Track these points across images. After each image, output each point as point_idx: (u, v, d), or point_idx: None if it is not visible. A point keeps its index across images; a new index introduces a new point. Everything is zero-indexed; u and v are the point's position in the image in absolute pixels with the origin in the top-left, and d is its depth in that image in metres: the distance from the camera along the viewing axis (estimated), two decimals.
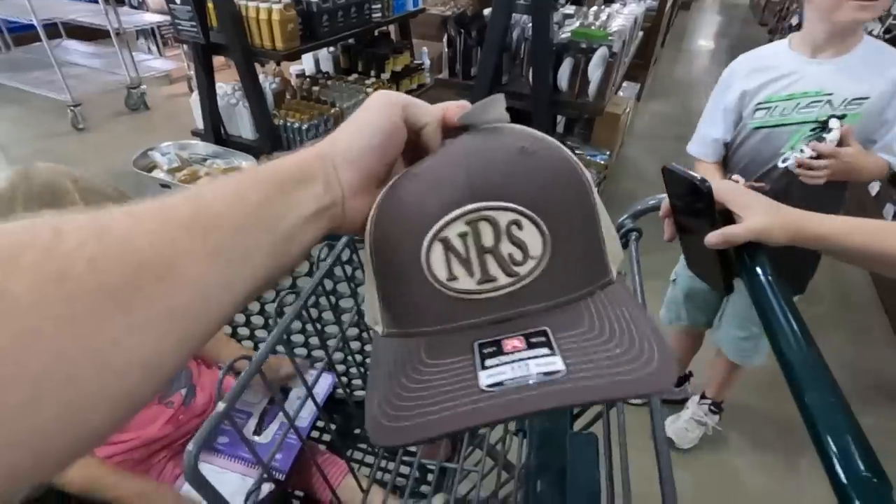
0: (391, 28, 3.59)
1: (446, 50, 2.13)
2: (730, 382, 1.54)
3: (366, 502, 0.69)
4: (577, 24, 2.12)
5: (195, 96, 2.84)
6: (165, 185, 2.47)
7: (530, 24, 1.90)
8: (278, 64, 3.05)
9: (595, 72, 1.91)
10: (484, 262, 0.30)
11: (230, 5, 2.28)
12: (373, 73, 3.20)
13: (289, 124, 2.64)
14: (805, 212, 0.56)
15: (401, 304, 0.33)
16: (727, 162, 1.24)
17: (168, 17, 4.01)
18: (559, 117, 2.54)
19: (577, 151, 2.46)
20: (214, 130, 2.76)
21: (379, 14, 2.94)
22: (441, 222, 0.30)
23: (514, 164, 0.31)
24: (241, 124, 2.78)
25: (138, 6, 4.32)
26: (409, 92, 3.48)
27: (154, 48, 4.32)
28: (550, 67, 1.92)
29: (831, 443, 0.32)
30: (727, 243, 0.54)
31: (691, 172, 0.54)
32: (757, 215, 0.53)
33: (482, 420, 0.25)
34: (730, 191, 0.56)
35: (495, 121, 0.34)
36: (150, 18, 4.01)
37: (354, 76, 3.18)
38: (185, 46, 3.89)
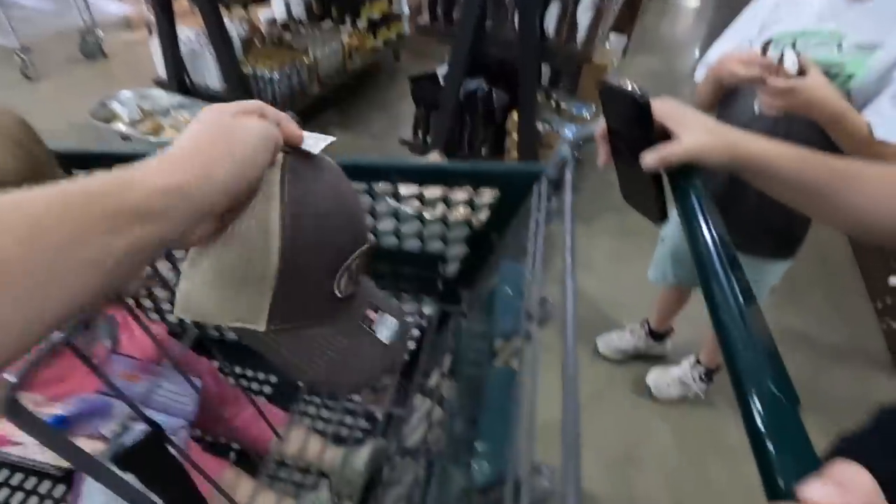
0: None
1: None
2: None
3: (306, 449, 0.68)
4: None
5: (155, 42, 2.64)
6: (126, 138, 2.32)
7: None
8: (245, 8, 2.83)
9: (584, 16, 1.81)
10: (359, 276, 0.50)
11: None
12: (348, 19, 3.01)
13: (259, 73, 2.47)
14: (745, 134, 0.52)
15: (297, 309, 0.44)
16: (720, 108, 1.18)
17: None
18: (544, 68, 2.43)
19: (562, 105, 2.37)
20: (178, 79, 2.58)
21: None
22: (351, 258, 0.46)
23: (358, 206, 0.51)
24: (208, 73, 2.60)
25: None
26: (387, 43, 3.30)
27: None
28: (538, 11, 1.81)
29: (740, 358, 0.31)
30: (663, 163, 0.51)
31: (631, 86, 0.50)
32: (696, 133, 0.50)
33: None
34: (669, 108, 0.52)
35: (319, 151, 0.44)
36: None
37: (328, 23, 2.99)
38: None
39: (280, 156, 0.41)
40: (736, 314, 0.35)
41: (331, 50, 2.78)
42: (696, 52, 4.59)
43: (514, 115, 2.14)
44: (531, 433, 0.37)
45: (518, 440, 0.37)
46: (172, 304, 0.47)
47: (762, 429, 0.27)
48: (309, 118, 2.82)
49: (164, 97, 2.55)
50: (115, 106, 2.46)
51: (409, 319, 0.66)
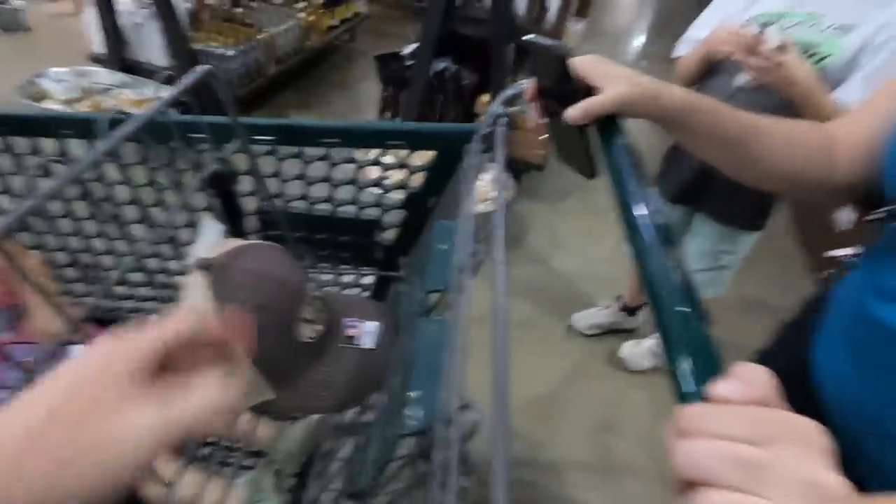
0: None
1: None
2: None
3: (239, 426, 0.73)
4: None
5: (89, 14, 2.41)
6: None
7: None
8: None
9: (554, 2, 1.82)
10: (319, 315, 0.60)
11: None
12: None
13: (211, 49, 2.32)
14: (663, 83, 0.54)
15: (284, 369, 0.55)
16: (701, 82, 1.22)
17: None
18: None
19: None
20: (118, 55, 2.37)
21: None
22: (297, 311, 0.56)
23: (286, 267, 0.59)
24: (151, 48, 2.41)
25: None
26: (344, 21, 3.19)
27: None
28: None
29: (656, 285, 0.35)
30: (588, 116, 0.51)
31: (551, 41, 0.52)
32: (618, 85, 0.51)
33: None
34: (592, 62, 0.53)
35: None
36: None
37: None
38: None
39: (201, 278, 0.50)
40: (654, 248, 0.38)
41: (287, 27, 2.65)
42: (643, 38, 4.76)
43: (483, 97, 2.14)
44: (461, 375, 0.39)
45: (448, 382, 0.39)
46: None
47: (672, 341, 0.31)
48: (266, 99, 2.69)
49: (103, 74, 2.35)
50: (47, 83, 2.24)
51: (387, 317, 0.68)
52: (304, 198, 0.80)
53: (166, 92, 2.22)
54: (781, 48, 0.93)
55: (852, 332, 0.55)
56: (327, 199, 0.80)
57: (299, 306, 0.55)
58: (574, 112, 0.51)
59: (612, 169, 0.48)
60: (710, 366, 0.28)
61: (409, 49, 2.31)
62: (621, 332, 1.82)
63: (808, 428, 0.24)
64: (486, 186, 1.96)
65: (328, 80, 3.13)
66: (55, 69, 2.28)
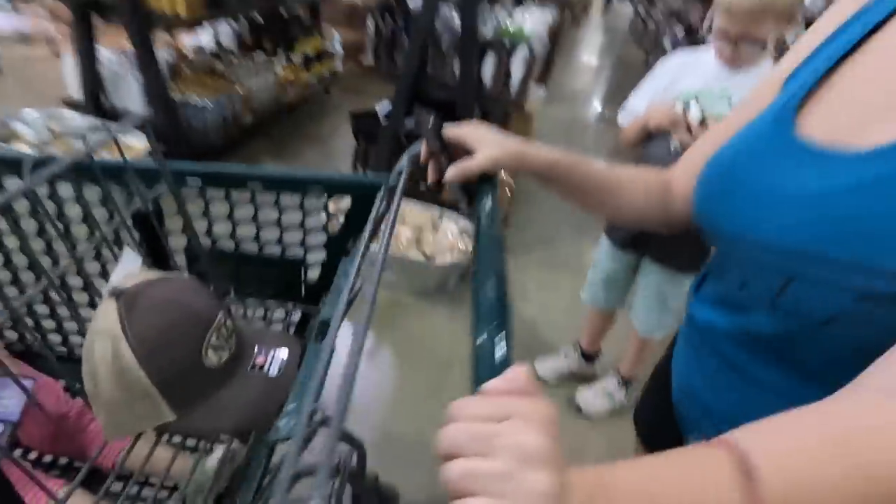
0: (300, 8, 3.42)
1: (371, 35, 2.09)
2: (641, 358, 1.71)
3: (156, 461, 0.72)
4: (498, 21, 2.21)
5: (68, 61, 2.47)
6: None
7: (456, 17, 1.93)
8: (170, 33, 2.75)
9: (517, 68, 2.01)
10: (228, 344, 0.63)
11: None
12: (281, 53, 3.02)
13: (189, 100, 2.40)
14: (529, 145, 0.64)
15: (189, 392, 0.58)
16: (643, 145, 1.38)
17: None
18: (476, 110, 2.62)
19: None
20: (94, 100, 2.41)
21: None
22: (205, 339, 0.59)
23: (195, 297, 0.64)
24: (129, 96, 2.47)
25: None
26: (319, 79, 3.35)
27: (6, 2, 3.66)
28: (477, 61, 1.98)
29: (479, 317, 0.42)
30: (464, 175, 0.61)
31: (432, 117, 0.63)
32: (489, 148, 0.61)
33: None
34: (468, 130, 0.63)
35: None
36: None
37: (261, 55, 2.98)
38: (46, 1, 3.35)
39: (112, 305, 0.54)
40: (490, 281, 0.45)
41: (265, 81, 2.77)
42: (598, 104, 5.15)
43: None
44: (319, 393, 0.42)
45: (307, 399, 0.41)
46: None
47: (478, 353, 0.38)
48: (240, 147, 2.76)
49: (76, 118, 2.37)
50: (18, 125, 2.24)
51: (296, 348, 0.71)
52: (232, 237, 0.85)
53: (137, 137, 2.22)
54: (702, 122, 1.11)
55: (684, 331, 0.66)
56: (255, 239, 0.86)
57: (205, 333, 0.58)
58: (452, 172, 0.61)
59: (477, 213, 0.58)
60: (490, 371, 0.35)
61: (381, 107, 2.46)
62: (581, 378, 1.90)
63: (535, 407, 0.31)
64: (453, 237, 2.06)
65: (302, 131, 3.24)
66: (28, 111, 2.29)
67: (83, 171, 0.66)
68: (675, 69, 1.33)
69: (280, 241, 0.86)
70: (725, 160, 0.53)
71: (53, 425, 0.94)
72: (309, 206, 0.82)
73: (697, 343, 0.62)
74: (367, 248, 0.57)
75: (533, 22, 2.45)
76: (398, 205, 0.62)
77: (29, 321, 0.93)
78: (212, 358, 0.59)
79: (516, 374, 0.33)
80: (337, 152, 2.97)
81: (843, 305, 0.42)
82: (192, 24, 2.23)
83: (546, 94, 4.06)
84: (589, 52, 7.39)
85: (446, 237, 2.13)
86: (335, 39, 3.55)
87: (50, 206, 0.77)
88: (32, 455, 0.99)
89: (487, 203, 0.59)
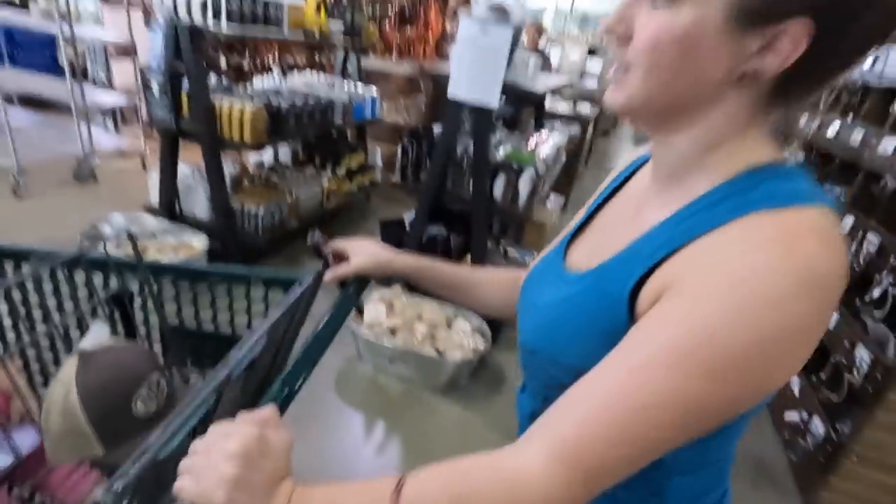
0: (348, 129, 3.96)
1: (399, 157, 2.44)
2: None
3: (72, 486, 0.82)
4: (510, 146, 2.53)
5: (154, 174, 2.96)
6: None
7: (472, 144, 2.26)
8: (239, 151, 3.26)
9: (524, 188, 2.28)
10: (158, 398, 0.78)
11: (206, 101, 2.51)
12: (328, 167, 3.48)
13: (245, 209, 2.80)
14: (399, 254, 0.79)
15: (119, 434, 0.72)
16: None
17: (127, 96, 4.17)
18: (495, 220, 2.88)
19: (508, 252, 2.78)
20: (168, 207, 2.85)
21: (340, 119, 3.29)
22: (136, 394, 0.74)
23: (136, 359, 0.79)
24: (196, 204, 2.91)
25: (103, 83, 4.49)
26: (360, 188, 3.77)
27: (111, 124, 4.43)
28: (488, 181, 2.27)
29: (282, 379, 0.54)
30: (337, 279, 0.77)
31: (317, 237, 0.79)
32: (360, 257, 0.77)
33: None
34: (349, 242, 0.79)
35: None
36: (113, 99, 4.16)
37: (311, 168, 3.44)
38: (142, 123, 4.05)
39: (74, 363, 0.71)
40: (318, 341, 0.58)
41: (311, 192, 3.18)
42: None
43: (468, 258, 2.50)
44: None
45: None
46: None
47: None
48: (285, 246, 3.11)
49: (151, 221, 2.80)
50: (104, 227, 2.68)
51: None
52: (196, 318, 1.02)
53: (198, 238, 2.57)
54: None
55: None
56: (212, 320, 1.02)
57: (137, 388, 0.73)
58: (328, 275, 0.77)
59: (333, 310, 0.72)
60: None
61: (408, 216, 2.77)
62: None
63: (239, 429, 0.43)
64: (465, 335, 2.22)
65: (341, 234, 3.60)
66: (115, 215, 2.74)
67: (75, 262, 0.91)
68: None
69: (231, 322, 1.02)
70: (528, 277, 0.67)
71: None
72: (254, 295, 0.98)
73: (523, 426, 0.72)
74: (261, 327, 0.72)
75: (551, 144, 2.77)
76: (313, 297, 0.80)
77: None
78: (140, 408, 0.74)
79: (260, 412, 0.47)
80: None
81: (547, 391, 0.52)
82: (257, 147, 2.68)
83: (568, 202, 4.35)
84: (619, 157, 7.79)
85: (459, 335, 2.29)
86: (376, 154, 4.03)
87: (47, 287, 0.96)
88: None
89: (341, 302, 0.75)
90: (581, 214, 0.65)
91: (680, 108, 0.45)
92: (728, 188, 0.44)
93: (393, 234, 2.65)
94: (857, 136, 2.30)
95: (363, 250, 0.78)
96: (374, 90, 3.67)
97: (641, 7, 0.43)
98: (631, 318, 0.45)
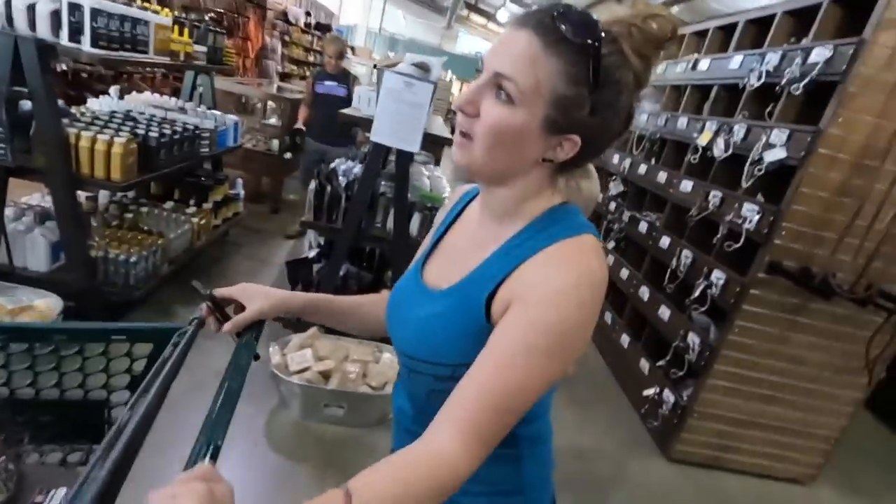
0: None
1: (312, 199, 2.40)
2: None
3: None
4: (418, 187, 2.70)
5: None
6: None
7: (390, 185, 2.37)
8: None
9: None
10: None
11: (59, 130, 2.07)
12: (192, 202, 3.11)
13: (111, 256, 2.36)
14: (290, 293, 0.82)
15: None
16: None
17: None
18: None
19: None
20: None
21: (206, 148, 3.00)
22: None
23: None
24: (33, 254, 2.34)
25: None
26: (225, 220, 3.46)
27: None
28: (407, 221, 2.40)
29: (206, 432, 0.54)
30: (238, 327, 0.77)
31: (200, 289, 0.77)
32: (256, 301, 0.78)
33: None
34: (238, 289, 0.80)
35: None
36: None
37: (170, 203, 3.04)
38: None
39: None
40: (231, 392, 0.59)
41: (182, 231, 2.83)
42: None
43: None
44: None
45: None
46: None
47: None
48: (156, 297, 2.70)
49: None
50: None
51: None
52: (32, 385, 0.87)
53: (42, 297, 2.15)
54: None
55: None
56: (56, 385, 0.88)
57: None
58: (228, 326, 0.77)
59: (236, 359, 0.70)
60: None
61: (311, 253, 2.71)
62: None
63: (187, 487, 0.42)
64: (387, 368, 2.31)
65: (211, 274, 3.26)
66: None
67: None
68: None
69: (83, 384, 0.89)
70: (394, 294, 0.78)
71: None
72: (114, 352, 0.87)
73: (396, 422, 0.82)
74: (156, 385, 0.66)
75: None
76: (187, 349, 0.75)
77: None
78: None
79: (201, 468, 0.47)
80: None
81: (433, 385, 0.67)
82: (125, 187, 2.30)
83: None
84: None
85: (387, 367, 2.35)
86: (237, 183, 3.74)
87: None
88: None
89: (244, 349, 0.73)
90: (428, 241, 0.80)
91: (505, 174, 0.63)
92: (538, 224, 0.64)
93: (301, 273, 2.56)
94: (661, 176, 3.10)
95: (255, 294, 0.79)
96: (234, 116, 3.42)
97: (487, 96, 0.58)
98: (489, 321, 0.62)
